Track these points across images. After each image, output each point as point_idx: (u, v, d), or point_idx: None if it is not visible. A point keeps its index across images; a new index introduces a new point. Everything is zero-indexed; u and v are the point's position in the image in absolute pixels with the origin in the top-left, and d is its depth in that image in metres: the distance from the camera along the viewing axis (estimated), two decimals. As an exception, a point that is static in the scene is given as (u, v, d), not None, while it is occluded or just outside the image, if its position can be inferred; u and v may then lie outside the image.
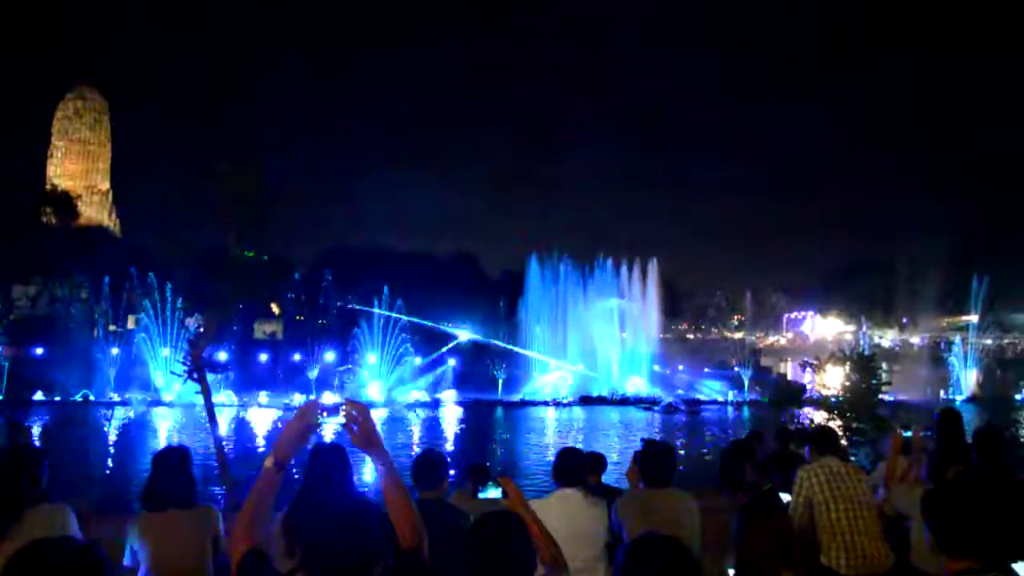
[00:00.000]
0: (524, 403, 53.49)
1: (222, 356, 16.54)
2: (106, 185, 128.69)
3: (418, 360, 58.97)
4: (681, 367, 66.16)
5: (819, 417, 17.33)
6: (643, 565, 2.43)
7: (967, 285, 68.92)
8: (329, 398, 49.81)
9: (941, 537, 2.70)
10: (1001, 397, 49.91)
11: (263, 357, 62.61)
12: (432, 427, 40.24)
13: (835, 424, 15.09)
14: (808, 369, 19.92)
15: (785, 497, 5.84)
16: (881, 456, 9.60)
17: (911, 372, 58.83)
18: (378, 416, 44.44)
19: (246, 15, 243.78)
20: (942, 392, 59.90)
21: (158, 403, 47.19)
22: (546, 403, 53.76)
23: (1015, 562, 2.72)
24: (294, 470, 3.13)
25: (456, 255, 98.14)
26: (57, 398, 47.08)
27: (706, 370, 65.22)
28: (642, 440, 5.26)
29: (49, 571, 2.05)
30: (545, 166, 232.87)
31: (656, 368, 63.88)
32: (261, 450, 29.73)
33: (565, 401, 54.58)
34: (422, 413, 46.50)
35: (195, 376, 15.66)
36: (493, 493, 3.57)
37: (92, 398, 48.24)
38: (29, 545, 2.12)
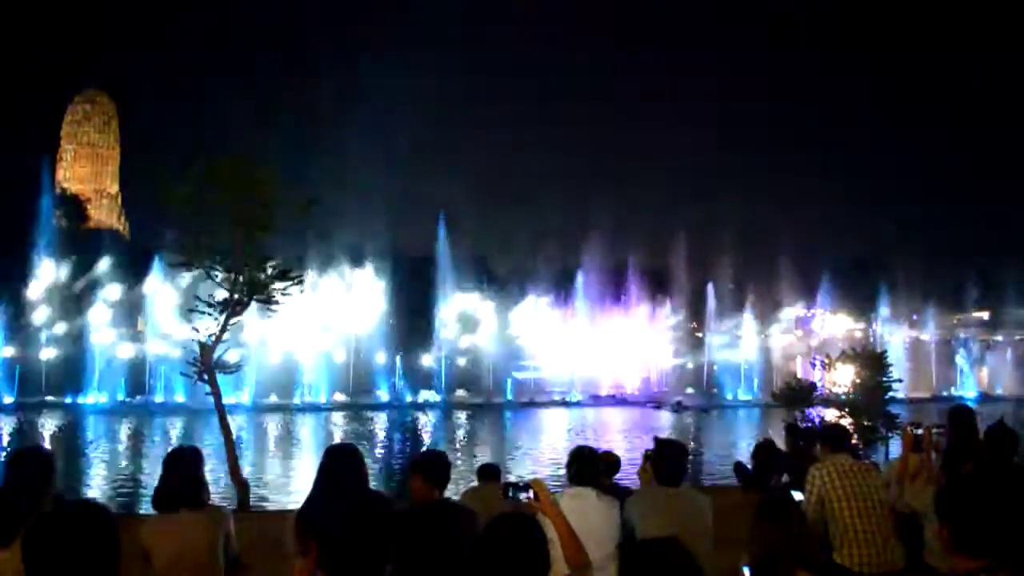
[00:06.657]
0: (532, 403, 53.43)
1: (232, 358, 16.63)
2: (115, 188, 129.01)
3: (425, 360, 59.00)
4: (690, 365, 65.95)
5: (830, 415, 17.24)
6: (644, 569, 2.44)
7: (979, 282, 68.47)
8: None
9: (955, 535, 2.69)
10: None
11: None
12: (441, 428, 40.31)
13: (846, 422, 15.03)
14: (818, 367, 19.77)
15: (797, 495, 5.81)
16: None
17: (922, 370, 58.56)
18: (385, 416, 44.50)
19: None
20: (953, 389, 59.64)
21: (169, 405, 47.40)
22: (555, 403, 53.70)
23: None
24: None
25: (464, 256, 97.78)
26: (68, 400, 47.35)
27: (715, 368, 65.00)
28: (654, 439, 5.25)
29: (67, 534, 2.15)
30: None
31: (664, 367, 63.74)
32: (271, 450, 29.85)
33: (574, 400, 54.53)
34: (432, 414, 46.60)
35: (205, 378, 15.77)
36: (525, 495, 3.63)
37: (104, 400, 48.48)
38: (42, 517, 2.22)
